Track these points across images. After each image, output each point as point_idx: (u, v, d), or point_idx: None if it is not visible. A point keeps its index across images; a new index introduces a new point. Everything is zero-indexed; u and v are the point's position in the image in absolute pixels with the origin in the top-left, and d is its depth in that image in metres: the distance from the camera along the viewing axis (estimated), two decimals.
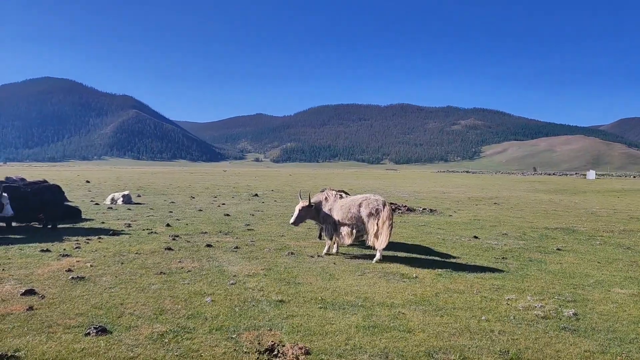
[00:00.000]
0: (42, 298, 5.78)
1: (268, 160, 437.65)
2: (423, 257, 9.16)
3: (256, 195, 25.42)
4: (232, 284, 6.71)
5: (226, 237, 11.04)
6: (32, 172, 55.91)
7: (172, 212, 16.19)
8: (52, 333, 4.64)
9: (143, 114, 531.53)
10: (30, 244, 9.33)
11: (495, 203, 23.10)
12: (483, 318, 5.40)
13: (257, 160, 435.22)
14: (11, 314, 5.16)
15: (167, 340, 4.54)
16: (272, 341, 4.52)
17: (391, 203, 8.77)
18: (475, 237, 11.72)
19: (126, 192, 19.84)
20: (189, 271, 7.44)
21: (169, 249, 9.23)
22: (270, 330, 4.89)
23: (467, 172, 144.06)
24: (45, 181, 13.25)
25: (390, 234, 8.35)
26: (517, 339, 4.80)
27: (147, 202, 19.82)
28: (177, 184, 36.33)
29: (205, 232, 11.60)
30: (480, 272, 7.78)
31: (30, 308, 5.35)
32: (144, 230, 11.70)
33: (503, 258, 9.11)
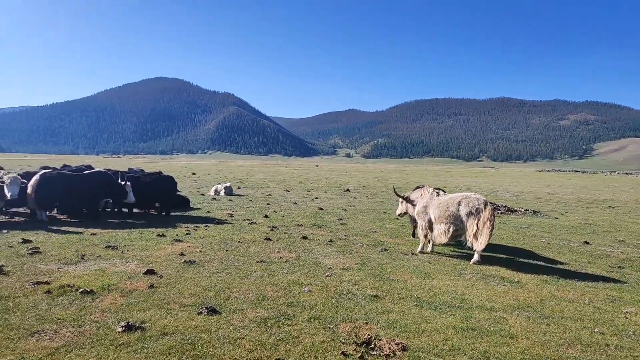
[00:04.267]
0: (161, 278, 6.43)
1: (359, 155, 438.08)
2: (525, 261, 8.64)
3: (348, 190, 25.68)
4: (328, 276, 6.90)
5: (320, 230, 11.34)
6: (147, 163, 61.88)
7: (269, 204, 16.98)
8: (171, 310, 5.16)
9: (242, 111, 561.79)
10: (149, 229, 10.40)
11: (610, 206, 20.93)
12: (596, 330, 4.98)
13: (347, 155, 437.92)
14: (136, 290, 5.82)
15: (269, 325, 4.82)
16: (368, 334, 4.60)
17: (490, 203, 8.40)
18: (586, 242, 10.76)
19: (228, 184, 21.18)
20: (286, 261, 7.79)
21: (268, 239, 9.72)
22: (367, 323, 4.97)
23: (577, 171, 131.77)
24: (160, 172, 14.64)
25: (490, 235, 7.99)
26: (638, 356, 4.36)
27: (246, 194, 20.99)
28: (273, 178, 37.93)
29: (301, 225, 12.01)
30: (593, 281, 7.16)
31: (151, 286, 5.99)
32: (244, 220, 12.43)
33: (620, 267, 8.27)
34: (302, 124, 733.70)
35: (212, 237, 9.77)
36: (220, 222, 11.89)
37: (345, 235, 10.61)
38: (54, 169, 12.95)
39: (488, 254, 8.80)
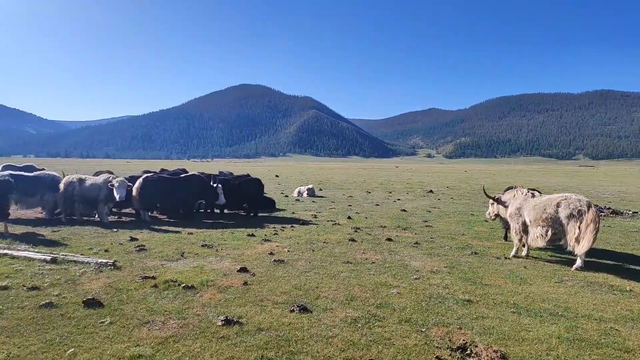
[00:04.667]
0: (253, 275, 6.72)
1: (440, 155, 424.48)
2: (637, 268, 7.81)
3: (431, 191, 25.01)
4: (416, 278, 6.76)
5: (405, 232, 11.15)
6: (233, 167, 65.05)
7: (351, 205, 17.05)
8: (264, 306, 5.37)
9: (321, 114, 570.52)
10: (239, 229, 10.91)
11: None
12: None
13: (428, 156, 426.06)
14: (232, 286, 6.13)
15: (360, 325, 4.84)
16: (463, 340, 4.43)
17: (593, 204, 7.73)
18: None
19: (310, 186, 21.62)
20: (372, 262, 7.76)
21: (353, 240, 9.76)
22: (460, 328, 4.80)
23: None
24: (248, 175, 15.31)
25: (594, 239, 7.34)
26: None
27: (328, 196, 21.27)
28: (353, 179, 38.03)
29: (384, 226, 11.91)
30: None
31: (245, 283, 6.28)
32: (328, 221, 12.60)
33: None
34: (380, 125, 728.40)
35: (299, 237, 10.01)
36: (305, 222, 12.16)
37: (431, 238, 10.33)
38: (155, 172, 14.06)
39: (592, 259, 8.10)
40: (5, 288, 5.71)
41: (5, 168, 14.50)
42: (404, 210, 15.64)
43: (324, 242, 9.54)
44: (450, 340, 4.49)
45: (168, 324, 4.74)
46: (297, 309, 5.23)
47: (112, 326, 4.65)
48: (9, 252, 7.52)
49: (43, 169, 14.59)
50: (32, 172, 13.20)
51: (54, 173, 12.58)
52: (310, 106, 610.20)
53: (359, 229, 11.34)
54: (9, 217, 10.08)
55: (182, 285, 5.99)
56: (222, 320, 4.78)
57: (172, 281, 6.15)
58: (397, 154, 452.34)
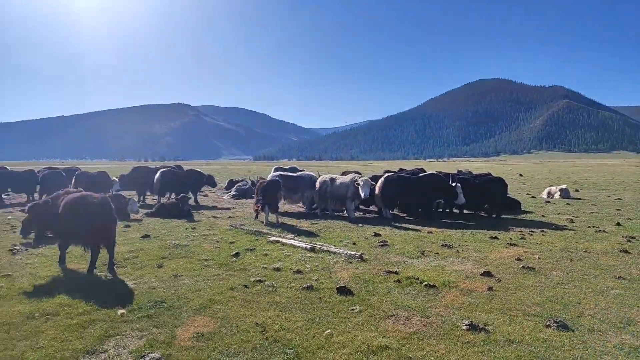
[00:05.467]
0: (499, 281, 6.22)
1: None
2: None
3: None
4: None
5: None
6: (470, 165, 62.79)
7: (619, 209, 14.17)
8: (513, 317, 4.88)
9: (575, 103, 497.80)
10: (480, 231, 10.35)
11: None
12: None
13: None
14: (475, 290, 5.81)
15: None
16: None
17: None
18: None
19: (563, 186, 18.96)
20: None
21: (625, 251, 8.05)
22: None
23: None
24: (489, 174, 14.42)
25: None
26: None
27: (586, 198, 18.25)
28: (621, 179, 31.69)
29: None
30: None
31: (490, 289, 5.86)
32: (589, 227, 10.75)
33: None
34: None
35: (551, 243, 8.85)
36: (558, 227, 10.70)
37: None
38: (395, 172, 14.65)
39: None
40: (278, 269, 6.82)
41: (276, 170, 17.44)
42: None
43: (585, 251, 8.16)
44: None
45: (412, 320, 4.80)
46: (555, 324, 4.58)
47: (361, 314, 4.98)
48: (280, 239, 8.98)
49: (303, 170, 16.97)
50: (295, 172, 15.51)
51: (312, 173, 14.46)
52: (560, 95, 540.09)
53: (633, 238, 9.29)
54: (279, 211, 12.04)
55: (424, 283, 6.00)
56: (466, 325, 4.55)
57: (414, 278, 6.24)
58: None
